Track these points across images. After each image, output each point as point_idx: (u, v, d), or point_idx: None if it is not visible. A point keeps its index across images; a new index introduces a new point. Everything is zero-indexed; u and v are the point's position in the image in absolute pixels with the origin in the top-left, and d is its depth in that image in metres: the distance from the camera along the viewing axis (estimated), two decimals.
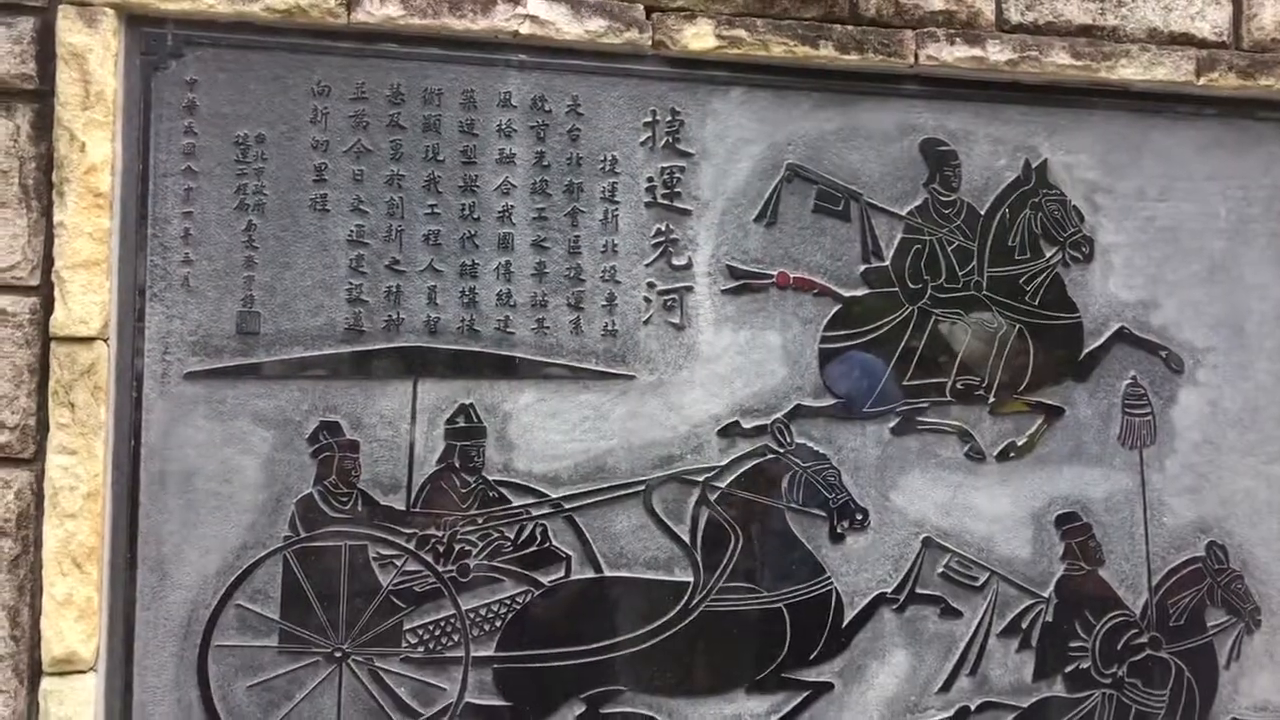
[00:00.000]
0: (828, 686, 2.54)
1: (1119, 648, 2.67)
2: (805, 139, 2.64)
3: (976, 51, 2.64)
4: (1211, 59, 2.75)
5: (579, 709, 2.42)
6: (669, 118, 2.57)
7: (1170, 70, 2.72)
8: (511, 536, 2.43)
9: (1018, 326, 2.71)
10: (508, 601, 2.41)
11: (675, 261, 2.55)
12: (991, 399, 2.68)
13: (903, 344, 2.66)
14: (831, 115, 2.65)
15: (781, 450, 2.56)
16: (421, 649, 2.35)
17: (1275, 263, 2.82)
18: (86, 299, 2.22)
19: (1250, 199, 2.83)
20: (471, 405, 2.42)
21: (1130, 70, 2.71)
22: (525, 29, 2.45)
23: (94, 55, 2.25)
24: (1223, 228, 2.81)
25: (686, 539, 2.50)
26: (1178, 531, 2.74)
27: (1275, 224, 2.83)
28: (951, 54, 2.64)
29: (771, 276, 2.59)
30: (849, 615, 2.57)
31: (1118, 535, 2.70)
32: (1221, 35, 2.79)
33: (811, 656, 2.54)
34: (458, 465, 2.41)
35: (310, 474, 2.34)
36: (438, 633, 2.36)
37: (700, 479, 2.52)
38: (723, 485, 2.53)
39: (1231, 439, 2.78)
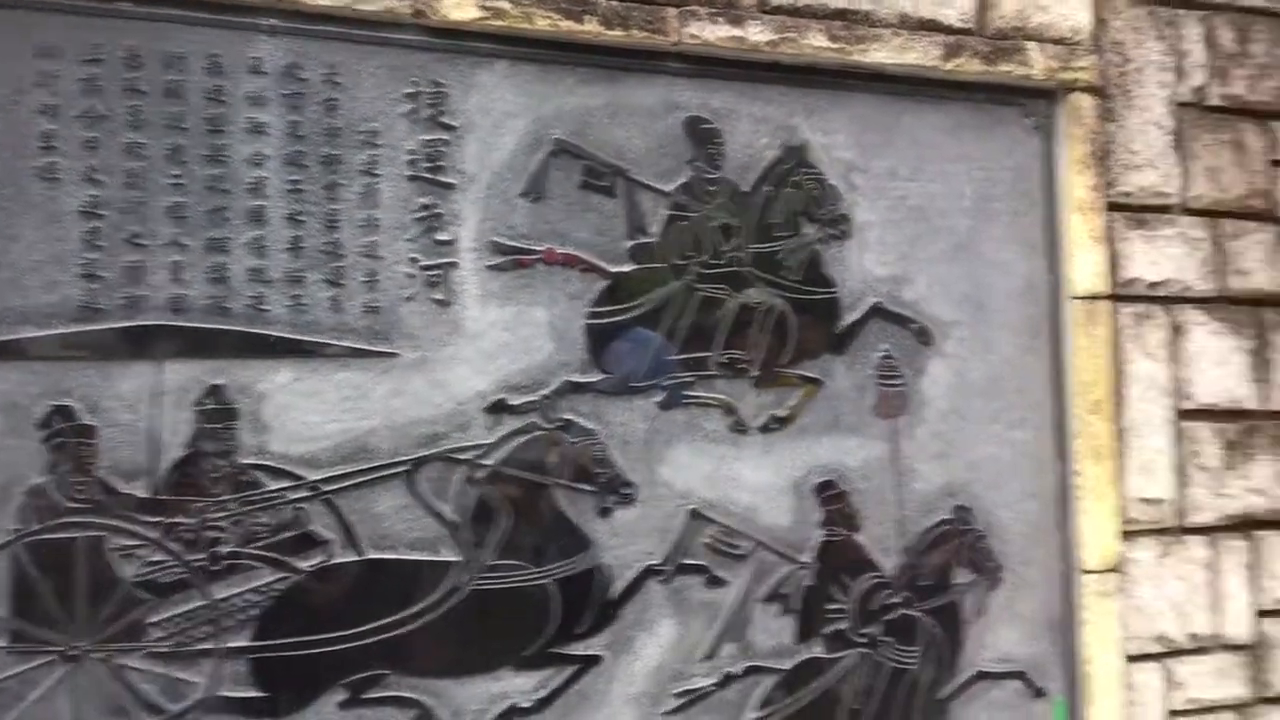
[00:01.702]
0: (596, 659, 2.66)
1: (874, 608, 2.90)
2: (571, 114, 2.72)
3: (738, 31, 2.79)
4: (958, 45, 2.99)
5: (340, 696, 2.45)
6: (431, 89, 2.61)
7: (920, 55, 2.95)
8: (267, 522, 2.43)
9: (780, 302, 2.89)
10: (264, 589, 2.41)
11: (439, 237, 2.59)
12: (755, 372, 2.85)
13: (669, 320, 2.79)
14: (597, 91, 2.75)
15: (549, 427, 2.65)
16: (169, 642, 2.33)
17: (1015, 241, 3.10)
18: None
19: (993, 180, 3.09)
20: (222, 386, 2.40)
21: (882, 54, 2.91)
22: None
23: None
24: (968, 207, 3.06)
25: (453, 518, 2.56)
26: (928, 496, 2.99)
27: (1016, 204, 3.11)
28: (714, 33, 2.77)
29: (538, 252, 2.67)
30: (617, 588, 2.69)
31: (873, 501, 2.93)
32: (967, 22, 3.04)
33: (580, 631, 2.65)
34: (208, 449, 2.39)
35: (42, 462, 2.27)
36: (187, 625, 2.34)
37: (467, 457, 2.58)
38: (490, 463, 2.60)
39: (976, 408, 3.05)
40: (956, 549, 2.99)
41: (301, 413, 2.46)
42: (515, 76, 2.68)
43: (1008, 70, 3.04)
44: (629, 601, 2.70)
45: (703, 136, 2.83)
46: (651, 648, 2.71)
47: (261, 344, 2.44)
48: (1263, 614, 3.27)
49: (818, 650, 2.85)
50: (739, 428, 2.82)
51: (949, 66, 2.99)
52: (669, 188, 2.80)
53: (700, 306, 2.82)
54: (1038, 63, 3.07)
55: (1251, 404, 3.29)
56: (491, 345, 2.62)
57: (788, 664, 2.82)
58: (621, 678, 2.68)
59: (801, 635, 2.84)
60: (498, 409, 2.61)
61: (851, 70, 2.93)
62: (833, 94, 2.95)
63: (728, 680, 2.75)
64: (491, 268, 2.63)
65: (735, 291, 2.84)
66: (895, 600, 2.92)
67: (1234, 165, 3.31)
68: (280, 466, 2.44)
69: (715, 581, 2.77)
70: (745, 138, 2.87)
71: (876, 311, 2.96)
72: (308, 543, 2.45)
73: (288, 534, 2.44)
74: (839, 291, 2.93)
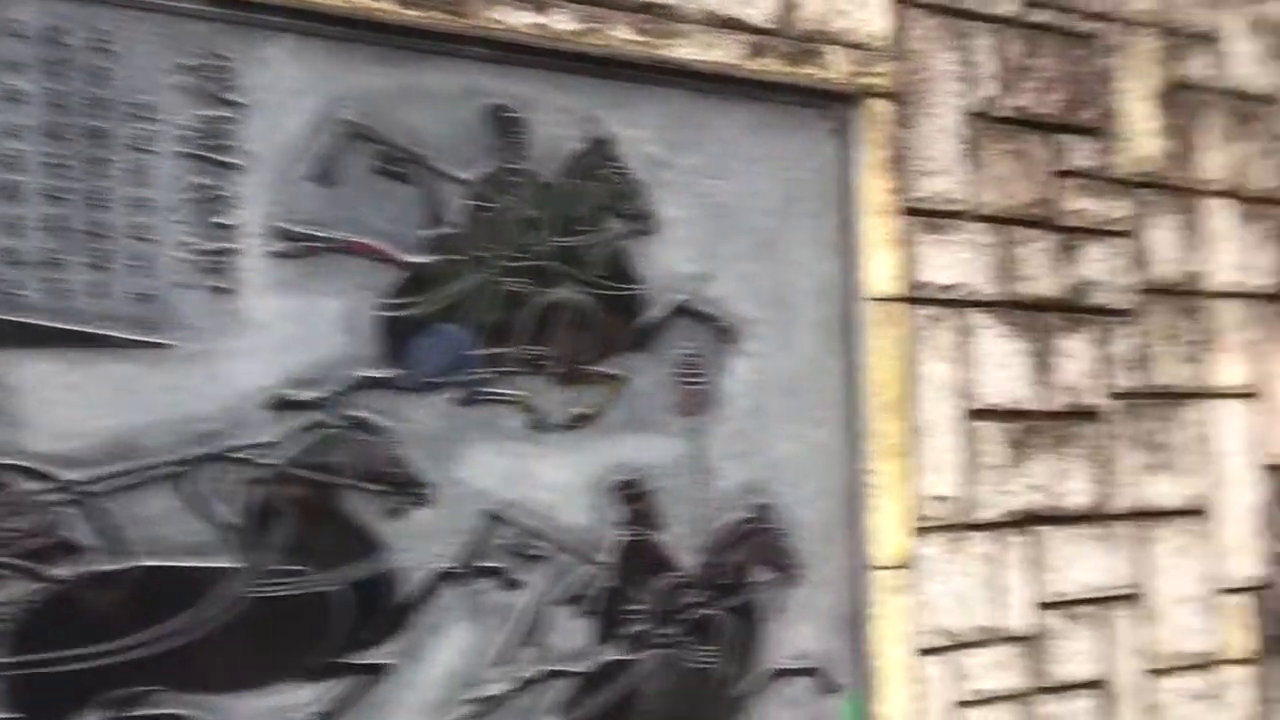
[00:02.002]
0: (387, 668, 2.56)
1: (675, 608, 2.90)
2: (367, 96, 2.62)
3: (542, 19, 2.74)
4: (762, 45, 3.03)
5: (103, 714, 2.27)
6: (213, 62, 2.46)
7: (725, 53, 2.97)
8: (19, 527, 2.23)
9: (584, 297, 2.86)
10: (16, 601, 2.22)
11: (220, 220, 2.45)
12: (557, 369, 2.81)
13: (469, 313, 2.71)
14: (395, 73, 2.65)
15: (338, 424, 2.54)
16: None
17: (816, 242, 3.16)
18: None
19: (796, 180, 3.15)
20: None
21: (688, 50, 2.92)
22: None
23: None
24: (771, 207, 3.11)
25: (232, 521, 2.42)
26: (729, 494, 3.01)
27: (816, 205, 3.17)
28: (518, 19, 2.72)
29: (329, 240, 2.56)
30: (409, 593, 2.60)
31: (675, 500, 2.93)
32: (771, 23, 3.08)
33: (369, 638, 2.55)
34: None
35: None
36: None
37: (248, 456, 2.45)
38: (273, 462, 2.47)
39: (778, 406, 3.09)
40: (757, 547, 3.03)
41: (62, 408, 2.28)
42: (305, 52, 2.55)
43: (809, 73, 3.10)
44: (421, 607, 2.61)
45: (505, 125, 2.77)
46: (445, 654, 2.63)
47: (16, 332, 2.24)
48: (1043, 606, 3.44)
49: (617, 652, 2.83)
50: (540, 426, 2.77)
51: (753, 66, 3.02)
52: (470, 177, 2.72)
53: (502, 301, 2.76)
54: (837, 67, 3.14)
55: (1032, 405, 3.46)
56: (277, 337, 2.49)
57: (586, 666, 2.79)
58: (413, 685, 2.59)
59: (601, 637, 2.82)
60: (282, 405, 2.49)
61: (659, 65, 2.92)
62: (640, 88, 2.94)
63: (523, 685, 2.70)
64: (278, 255, 2.50)
65: (538, 286, 2.80)
66: (696, 600, 2.94)
67: (1020, 175, 3.48)
68: (36, 467, 2.25)
69: (512, 584, 2.71)
70: (550, 128, 2.83)
71: (681, 309, 2.97)
72: (65, 549, 2.27)
73: (42, 540, 2.25)
74: (644, 288, 2.93)
